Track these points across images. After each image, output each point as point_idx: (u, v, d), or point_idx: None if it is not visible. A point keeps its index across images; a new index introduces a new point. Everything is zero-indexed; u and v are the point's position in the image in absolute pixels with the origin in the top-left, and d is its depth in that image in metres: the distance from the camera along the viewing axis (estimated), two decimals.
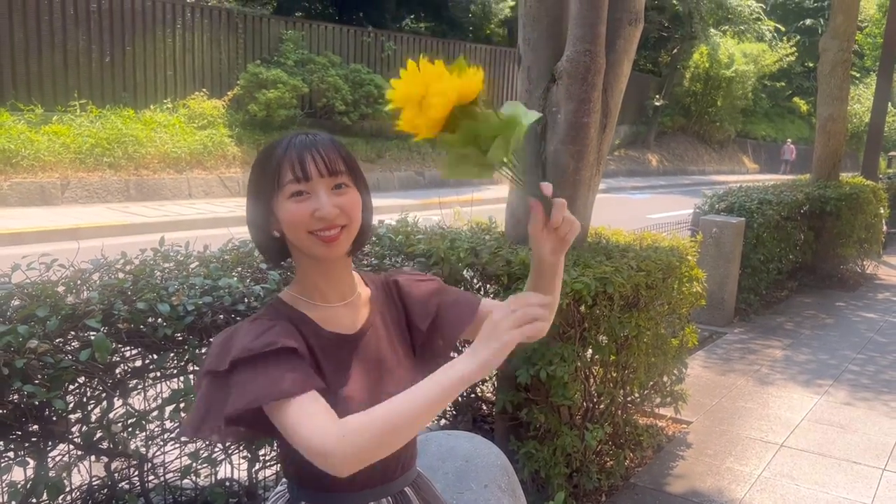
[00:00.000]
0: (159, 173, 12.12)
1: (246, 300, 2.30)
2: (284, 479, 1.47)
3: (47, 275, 2.15)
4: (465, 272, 3.10)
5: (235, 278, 2.36)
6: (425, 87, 1.13)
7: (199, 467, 2.43)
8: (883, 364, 5.60)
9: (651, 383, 3.85)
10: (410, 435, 1.18)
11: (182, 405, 2.20)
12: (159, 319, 2.09)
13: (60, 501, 2.12)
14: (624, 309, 3.27)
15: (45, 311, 1.81)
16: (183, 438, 2.46)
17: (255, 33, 14.89)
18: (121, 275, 2.28)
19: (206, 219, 10.77)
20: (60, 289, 1.98)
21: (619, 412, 3.55)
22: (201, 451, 2.46)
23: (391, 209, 13.56)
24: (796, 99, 38.34)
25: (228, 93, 14.10)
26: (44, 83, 11.75)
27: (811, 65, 36.86)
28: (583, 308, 3.00)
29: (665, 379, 3.99)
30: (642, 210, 15.57)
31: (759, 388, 4.95)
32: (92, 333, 1.97)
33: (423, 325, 1.47)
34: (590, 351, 3.18)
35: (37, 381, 1.79)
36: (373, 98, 15.95)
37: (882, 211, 9.34)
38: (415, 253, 3.03)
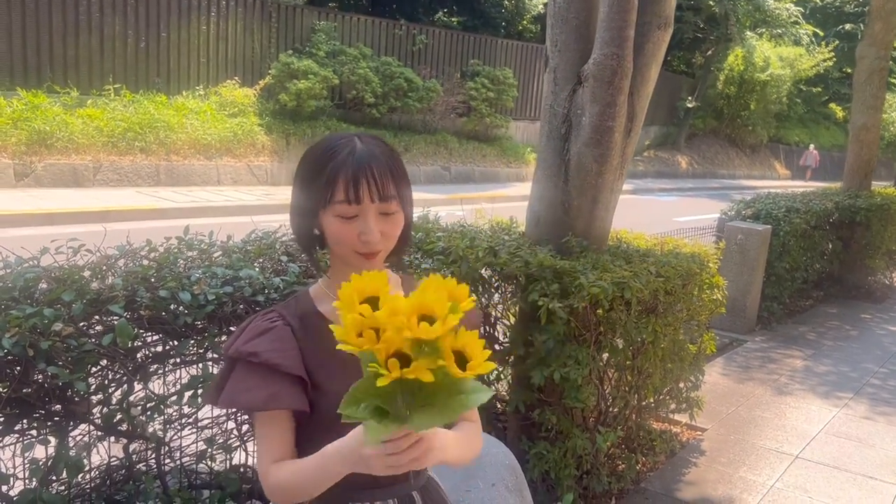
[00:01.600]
0: (189, 159, 12.27)
1: (266, 291, 2.34)
2: None
3: (75, 259, 2.21)
4: (483, 271, 3.13)
5: (257, 269, 2.40)
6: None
7: (214, 452, 2.49)
8: None
9: (666, 389, 3.85)
10: (317, 492, 1.30)
11: (200, 391, 2.25)
12: (180, 307, 2.14)
13: (79, 480, 2.18)
14: (641, 314, 3.27)
15: (71, 296, 1.86)
16: (200, 424, 2.52)
17: (287, 23, 14.98)
18: (145, 262, 2.33)
19: (233, 206, 10.89)
20: (86, 273, 2.04)
21: (633, 416, 3.56)
22: (217, 437, 2.52)
23: (416, 203, 13.61)
24: (832, 105, 37.71)
25: (260, 82, 14.20)
26: (80, 67, 11.93)
27: (849, 70, 36.24)
28: (599, 312, 3.01)
29: (681, 385, 3.99)
30: (669, 212, 15.46)
31: (777, 398, 4.91)
32: (114, 318, 2.03)
33: None
34: (605, 354, 3.19)
35: (60, 363, 1.84)
36: (402, 91, 15.98)
37: None
38: (433, 250, 3.06)
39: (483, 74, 18.00)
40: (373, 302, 1.02)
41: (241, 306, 2.32)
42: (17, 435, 1.99)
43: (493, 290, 3.24)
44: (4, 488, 1.96)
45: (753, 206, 6.84)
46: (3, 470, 1.96)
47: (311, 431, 1.35)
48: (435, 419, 0.99)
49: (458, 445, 1.34)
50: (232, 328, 2.36)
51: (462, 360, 0.99)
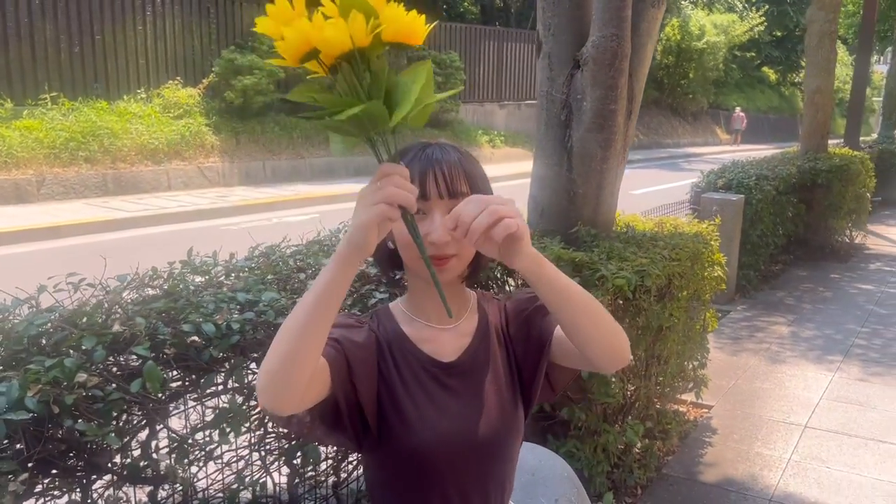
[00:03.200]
0: (137, 166, 11.82)
1: (287, 313, 2.18)
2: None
3: (77, 296, 2.02)
4: (495, 271, 3.01)
5: (277, 292, 2.24)
6: (314, 34, 0.92)
7: (244, 487, 2.32)
8: (889, 337, 5.63)
9: (679, 371, 3.80)
10: (303, 325, 1.01)
11: (228, 427, 2.08)
12: (200, 340, 1.97)
13: None
14: (657, 299, 3.20)
15: (91, 342, 1.68)
16: (225, 459, 2.35)
17: (227, 18, 14.53)
18: (150, 291, 2.15)
19: (188, 211, 10.54)
20: (105, 316, 1.85)
21: (656, 403, 3.50)
22: (245, 471, 2.36)
23: None
24: (765, 68, 38.60)
25: (203, 80, 13.76)
26: (12, 76, 11.35)
27: (779, 34, 37.07)
28: (621, 302, 2.92)
29: (688, 364, 3.95)
30: (623, 186, 15.51)
31: (773, 367, 4.94)
32: (131, 360, 1.85)
33: (519, 348, 1.38)
34: None
35: (86, 418, 1.66)
36: None
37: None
38: None
39: (429, 58, 17.82)
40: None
41: (263, 332, 2.16)
42: (37, 497, 1.81)
43: (500, 283, 3.12)
44: None
45: (724, 177, 6.87)
46: None
47: (383, 457, 1.27)
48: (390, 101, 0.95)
49: (560, 275, 1.16)
50: (255, 356, 2.20)
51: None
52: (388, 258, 1.30)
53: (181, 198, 11.48)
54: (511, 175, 16.62)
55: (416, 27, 0.94)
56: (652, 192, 13.79)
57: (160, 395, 2.01)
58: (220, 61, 13.64)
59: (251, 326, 2.08)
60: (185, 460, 2.10)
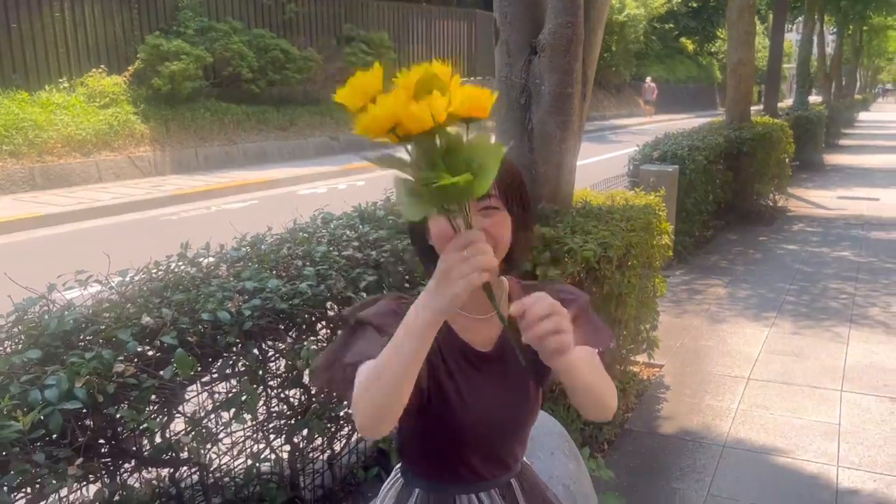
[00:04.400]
0: (65, 158, 11.48)
1: (292, 300, 2.30)
2: (398, 466, 1.54)
3: (86, 293, 2.10)
4: None
5: (284, 279, 2.36)
6: (400, 111, 0.95)
7: (258, 465, 2.45)
8: (815, 293, 6.08)
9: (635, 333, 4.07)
10: (395, 385, 1.14)
11: (244, 407, 2.21)
12: (211, 327, 2.08)
13: None
14: (617, 268, 3.44)
15: (126, 334, 1.78)
16: (236, 438, 2.47)
17: (149, 2, 14.12)
18: (158, 284, 2.24)
19: (123, 203, 10.31)
20: (131, 308, 1.95)
21: (619, 366, 3.76)
22: (259, 451, 2.48)
23: (311, 177, 13.40)
24: (683, 39, 39.73)
25: (129, 68, 13.39)
26: None
27: (694, 5, 38.18)
28: (587, 272, 3.14)
29: (642, 327, 4.23)
30: None
31: (714, 326, 5.30)
32: (153, 351, 1.95)
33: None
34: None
35: (127, 404, 1.77)
36: (280, 63, 15.54)
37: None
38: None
39: (359, 39, 17.76)
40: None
41: (269, 318, 2.28)
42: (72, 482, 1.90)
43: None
44: None
45: (659, 148, 7.21)
46: None
47: (419, 425, 1.37)
48: (465, 171, 0.97)
49: (585, 356, 1.29)
50: (266, 342, 2.32)
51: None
52: (430, 255, 1.32)
53: (114, 189, 11.22)
54: None
55: (484, 102, 1.00)
56: (586, 164, 14.14)
57: (180, 380, 2.13)
58: (145, 47, 13.30)
59: (259, 313, 2.20)
60: (200, 441, 2.22)
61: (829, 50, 18.61)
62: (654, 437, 3.70)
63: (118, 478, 2.00)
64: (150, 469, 2.13)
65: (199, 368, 2.19)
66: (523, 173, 3.53)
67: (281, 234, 2.96)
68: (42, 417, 1.57)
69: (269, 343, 2.38)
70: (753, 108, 11.01)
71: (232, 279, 2.29)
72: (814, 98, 19.03)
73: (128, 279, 2.27)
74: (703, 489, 3.20)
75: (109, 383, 1.71)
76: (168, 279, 2.27)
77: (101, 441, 1.90)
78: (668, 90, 34.49)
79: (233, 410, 2.20)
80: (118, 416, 1.75)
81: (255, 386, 2.26)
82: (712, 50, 40.50)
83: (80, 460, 1.62)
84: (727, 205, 8.79)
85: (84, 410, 1.69)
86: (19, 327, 1.80)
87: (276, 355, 2.40)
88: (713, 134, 8.25)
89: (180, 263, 2.47)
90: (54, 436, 1.68)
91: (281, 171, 13.39)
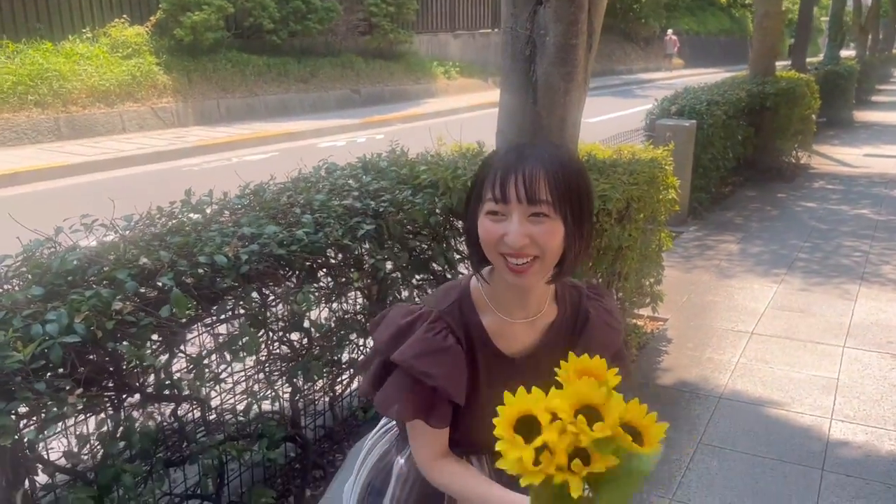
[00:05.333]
0: (89, 108, 11.62)
1: (290, 246, 2.38)
2: None
3: (87, 235, 2.19)
4: None
5: (282, 225, 2.44)
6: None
7: (257, 402, 2.57)
8: (828, 250, 6.05)
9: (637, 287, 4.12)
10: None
11: (241, 348, 2.30)
12: (210, 271, 2.17)
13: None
14: (618, 221, 3.48)
15: (124, 274, 1.87)
16: (238, 378, 2.59)
17: None
18: (159, 229, 2.33)
19: (146, 153, 10.46)
20: (135, 251, 2.04)
21: None
22: (258, 390, 2.60)
23: (331, 130, 13.43)
24: None
25: (151, 18, 13.41)
26: None
27: None
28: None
29: (645, 281, 4.27)
30: None
31: (723, 282, 5.32)
32: (153, 292, 2.04)
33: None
34: (590, 263, 3.39)
35: (125, 341, 1.87)
36: (301, 14, 15.44)
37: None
38: (422, 184, 3.13)
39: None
40: (528, 422, 0.91)
41: (268, 263, 2.37)
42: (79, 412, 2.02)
43: None
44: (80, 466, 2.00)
45: (677, 103, 7.14)
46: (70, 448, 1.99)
47: (457, 417, 1.37)
48: (620, 492, 0.92)
49: None
50: (265, 287, 2.41)
51: (633, 430, 0.92)
52: (480, 252, 1.30)
53: (138, 140, 11.36)
54: (469, 107, 16.69)
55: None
56: (608, 119, 14.04)
57: (182, 319, 2.23)
58: None
59: (256, 258, 2.28)
60: (202, 380, 2.33)
61: (866, 1, 18.04)
62: (650, 387, 3.77)
63: (122, 411, 2.12)
64: (153, 404, 2.25)
65: (201, 310, 2.29)
66: (528, 127, 3.49)
67: (284, 183, 3.04)
68: (45, 350, 1.67)
69: (270, 287, 2.47)
70: (782, 63, 10.79)
71: (231, 225, 2.37)
72: (849, 53, 18.50)
73: (132, 224, 2.36)
74: (694, 438, 3.28)
75: (108, 320, 1.81)
76: (171, 224, 2.36)
77: (105, 375, 2.01)
78: (699, 43, 33.74)
79: (233, 351, 2.31)
80: (119, 351, 1.84)
81: (254, 329, 2.36)
82: (746, 2, 39.38)
83: (79, 390, 1.72)
84: (747, 161, 8.70)
85: (85, 345, 1.79)
86: (26, 266, 1.90)
87: (276, 300, 2.49)
88: (735, 88, 8.13)
89: (184, 210, 2.55)
90: (59, 370, 1.79)
91: (302, 123, 13.44)
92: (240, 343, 2.29)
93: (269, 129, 12.68)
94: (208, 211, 2.60)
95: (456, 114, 15.75)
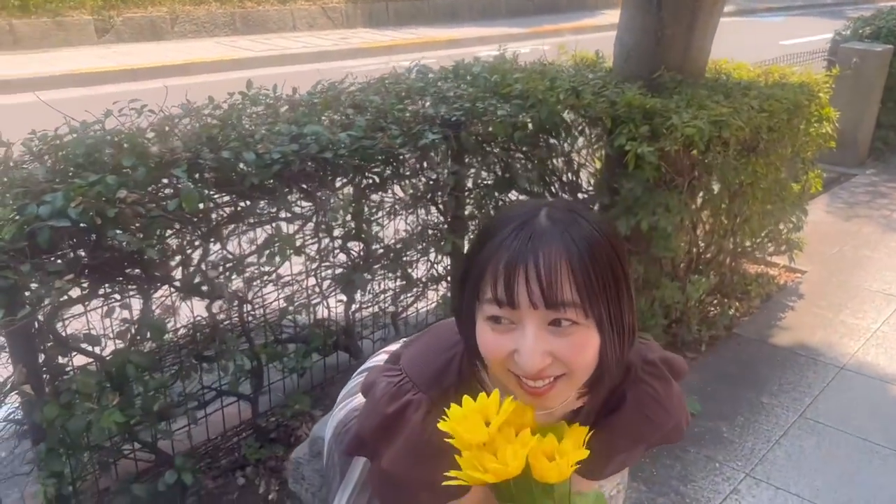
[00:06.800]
0: (263, 5, 11.97)
1: (333, 148, 2.23)
2: None
3: (138, 120, 2.14)
4: (565, 114, 2.91)
5: (325, 123, 2.29)
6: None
7: (296, 309, 2.51)
8: None
9: (765, 232, 3.62)
10: None
11: (276, 250, 2.22)
12: (247, 168, 2.07)
13: (171, 337, 2.24)
14: (741, 154, 3.01)
15: (131, 161, 1.81)
16: (281, 282, 2.52)
17: None
18: (209, 120, 2.25)
19: (310, 52, 10.67)
20: (150, 136, 1.97)
21: (728, 262, 3.38)
22: (299, 294, 2.53)
23: (496, 38, 12.99)
24: None
25: None
26: None
27: None
28: (694, 154, 2.76)
29: (781, 227, 3.74)
30: (774, 35, 14.25)
31: (886, 236, 4.59)
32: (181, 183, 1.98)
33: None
34: (699, 199, 2.98)
35: (130, 230, 1.83)
36: None
37: None
38: (510, 94, 2.85)
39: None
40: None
41: (311, 164, 2.23)
42: (102, 298, 2.03)
43: (576, 134, 3.03)
44: (98, 349, 2.02)
45: (873, 24, 6.12)
46: (94, 332, 2.02)
47: None
48: None
49: None
50: (304, 186, 2.29)
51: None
52: (475, 344, 0.99)
53: (305, 39, 11.61)
54: None
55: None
56: (803, 42, 12.51)
57: (213, 217, 2.17)
58: None
59: (295, 157, 2.15)
60: (237, 279, 2.28)
61: None
62: (762, 345, 3.33)
63: (150, 303, 2.11)
64: (186, 297, 2.24)
65: (238, 209, 2.22)
66: (649, 35, 3.04)
67: (363, 82, 2.87)
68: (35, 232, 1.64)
69: (307, 189, 2.33)
70: None
71: (280, 122, 2.24)
72: None
73: (186, 112, 2.30)
74: (796, 409, 2.86)
75: (111, 208, 1.76)
76: (219, 115, 2.27)
77: (120, 265, 1.98)
78: None
79: (268, 253, 2.23)
80: (121, 242, 1.79)
81: (289, 233, 2.26)
82: None
83: (70, 276, 1.70)
84: None
85: (85, 232, 1.76)
86: (44, 146, 1.88)
87: (311, 204, 2.36)
88: None
89: (245, 102, 2.46)
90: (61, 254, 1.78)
91: (467, 30, 13.13)
92: (274, 246, 2.20)
93: (432, 35, 12.50)
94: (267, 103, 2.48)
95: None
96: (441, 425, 0.92)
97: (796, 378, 3.08)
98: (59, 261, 1.71)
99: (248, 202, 2.18)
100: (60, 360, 1.92)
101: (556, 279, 0.87)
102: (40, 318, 1.85)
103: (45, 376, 1.92)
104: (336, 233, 2.55)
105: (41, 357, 1.89)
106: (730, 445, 2.67)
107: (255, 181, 2.06)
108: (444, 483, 0.93)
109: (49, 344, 1.86)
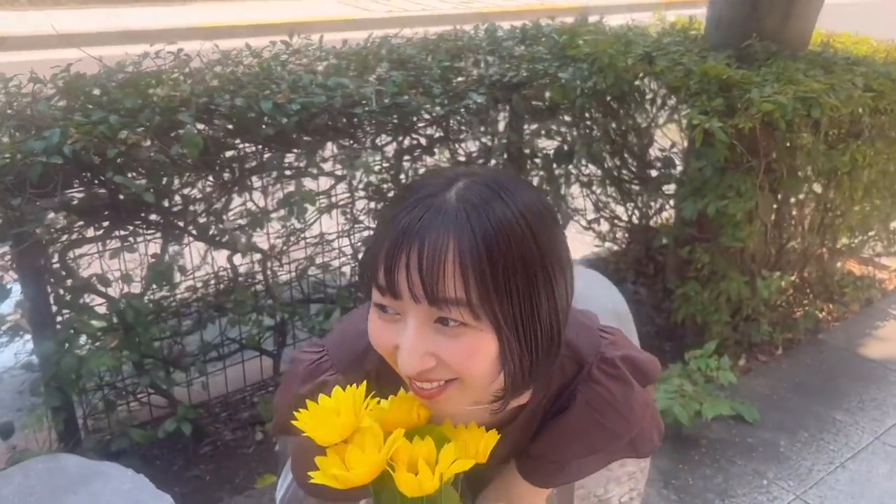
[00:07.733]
0: None
1: (364, 103, 2.11)
2: None
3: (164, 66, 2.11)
4: (637, 81, 2.66)
5: (352, 76, 2.18)
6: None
7: (322, 266, 2.44)
8: None
9: (871, 231, 3.22)
10: None
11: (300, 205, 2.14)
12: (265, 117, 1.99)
13: (182, 289, 2.22)
14: (838, 138, 2.65)
15: (132, 102, 1.77)
16: (304, 236, 2.45)
17: None
18: (242, 67, 2.19)
19: (428, 16, 10.58)
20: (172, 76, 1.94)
21: (820, 259, 3.02)
22: (316, 255, 2.46)
23: (631, 7, 12.39)
24: None
25: None
26: None
27: None
28: (776, 134, 2.45)
29: (894, 225, 3.32)
30: None
31: None
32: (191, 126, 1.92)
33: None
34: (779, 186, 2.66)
35: (134, 174, 1.80)
36: None
37: None
38: (576, 56, 2.63)
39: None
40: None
41: (344, 120, 2.13)
42: (119, 241, 2.03)
43: (649, 102, 2.77)
44: (110, 291, 2.03)
45: None
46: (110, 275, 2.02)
47: None
48: None
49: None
50: (334, 141, 2.20)
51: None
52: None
53: (425, 2, 11.53)
54: None
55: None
56: None
57: (234, 166, 2.12)
58: None
59: (318, 109, 2.05)
60: (258, 234, 2.23)
61: None
62: (848, 355, 2.97)
63: (166, 249, 2.09)
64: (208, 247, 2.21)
65: (263, 160, 2.15)
66: (745, 2, 2.69)
67: (420, 37, 2.74)
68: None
69: (341, 145, 2.24)
70: None
71: (305, 73, 2.15)
72: None
73: (221, 59, 2.25)
74: (873, 431, 2.53)
75: (112, 148, 1.73)
76: (252, 63, 2.21)
77: (134, 209, 1.96)
78: None
79: (287, 208, 2.16)
80: (115, 181, 1.76)
81: (309, 189, 2.18)
82: None
83: (63, 213, 1.68)
84: None
85: (81, 170, 1.74)
86: (64, 84, 1.87)
87: (332, 159, 2.27)
88: None
89: (283, 50, 2.39)
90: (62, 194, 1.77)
91: None
92: (293, 200, 2.13)
93: (562, 3, 12.11)
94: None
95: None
96: (298, 420, 0.79)
97: (881, 396, 2.72)
98: (55, 199, 1.70)
99: (266, 153, 2.11)
100: (68, 298, 1.93)
101: (439, 271, 0.71)
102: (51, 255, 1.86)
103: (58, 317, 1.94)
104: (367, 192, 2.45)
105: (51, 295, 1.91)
106: (784, 462, 2.38)
107: (271, 132, 1.98)
108: (310, 482, 0.81)
109: (52, 280, 1.87)
